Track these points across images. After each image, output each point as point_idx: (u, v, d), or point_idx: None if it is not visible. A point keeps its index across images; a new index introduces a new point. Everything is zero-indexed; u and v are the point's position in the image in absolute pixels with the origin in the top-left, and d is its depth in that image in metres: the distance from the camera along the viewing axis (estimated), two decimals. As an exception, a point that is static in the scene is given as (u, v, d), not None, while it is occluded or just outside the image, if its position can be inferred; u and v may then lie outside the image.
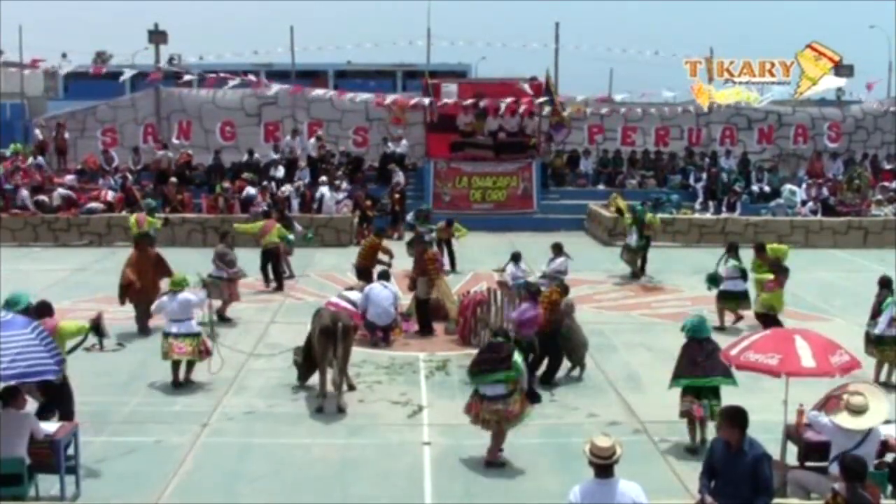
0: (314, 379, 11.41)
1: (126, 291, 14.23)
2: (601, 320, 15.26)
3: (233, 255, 15.73)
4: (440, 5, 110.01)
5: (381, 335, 13.83)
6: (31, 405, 8.32)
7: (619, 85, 44.44)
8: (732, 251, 15.44)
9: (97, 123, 29.22)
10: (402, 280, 15.93)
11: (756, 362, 8.15)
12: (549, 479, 8.96)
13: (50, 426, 8.37)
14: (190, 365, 11.86)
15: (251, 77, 29.35)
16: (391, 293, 13.94)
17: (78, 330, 9.35)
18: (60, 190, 24.83)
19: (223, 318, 15.19)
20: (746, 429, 6.81)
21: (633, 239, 19.35)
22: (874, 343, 12.14)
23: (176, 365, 11.82)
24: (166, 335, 11.73)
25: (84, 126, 29.16)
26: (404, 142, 28.41)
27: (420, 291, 14.97)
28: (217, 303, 14.58)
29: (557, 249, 16.11)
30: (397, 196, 25.27)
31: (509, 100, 27.19)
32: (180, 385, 11.78)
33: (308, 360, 11.55)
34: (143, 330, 14.32)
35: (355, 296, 13.84)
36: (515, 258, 15.92)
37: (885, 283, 12.45)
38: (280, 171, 26.48)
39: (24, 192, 24.58)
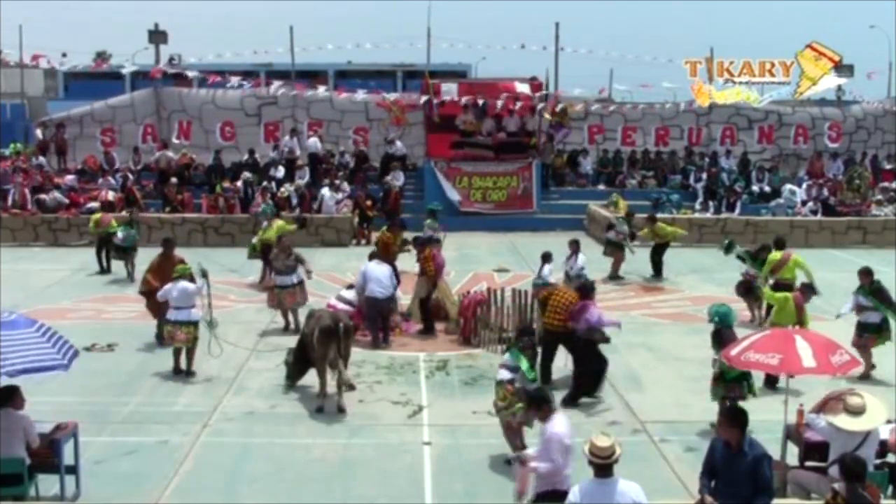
0: (312, 379, 11.39)
1: (149, 297, 13.99)
2: (601, 320, 15.19)
3: (287, 261, 14.79)
4: (440, 5, 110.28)
5: (381, 335, 13.82)
6: (30, 407, 8.24)
7: (619, 84, 44.42)
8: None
9: (97, 123, 29.18)
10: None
11: (757, 362, 8.15)
12: (549, 479, 8.93)
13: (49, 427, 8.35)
14: (190, 353, 12.07)
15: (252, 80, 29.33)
16: (387, 267, 14.12)
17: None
18: (56, 193, 24.77)
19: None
20: (746, 429, 6.80)
21: (612, 234, 19.48)
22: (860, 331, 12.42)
23: (177, 352, 12.09)
24: (168, 322, 12.03)
25: (83, 126, 29.12)
26: (399, 143, 28.21)
27: (419, 291, 14.98)
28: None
29: (574, 247, 16.09)
30: (383, 194, 25.12)
31: (506, 96, 27.16)
32: (181, 372, 12.05)
33: (299, 361, 11.55)
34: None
35: (352, 295, 13.86)
36: (546, 258, 15.11)
37: (865, 272, 12.78)
38: (280, 172, 26.46)
39: (24, 192, 24.53)
